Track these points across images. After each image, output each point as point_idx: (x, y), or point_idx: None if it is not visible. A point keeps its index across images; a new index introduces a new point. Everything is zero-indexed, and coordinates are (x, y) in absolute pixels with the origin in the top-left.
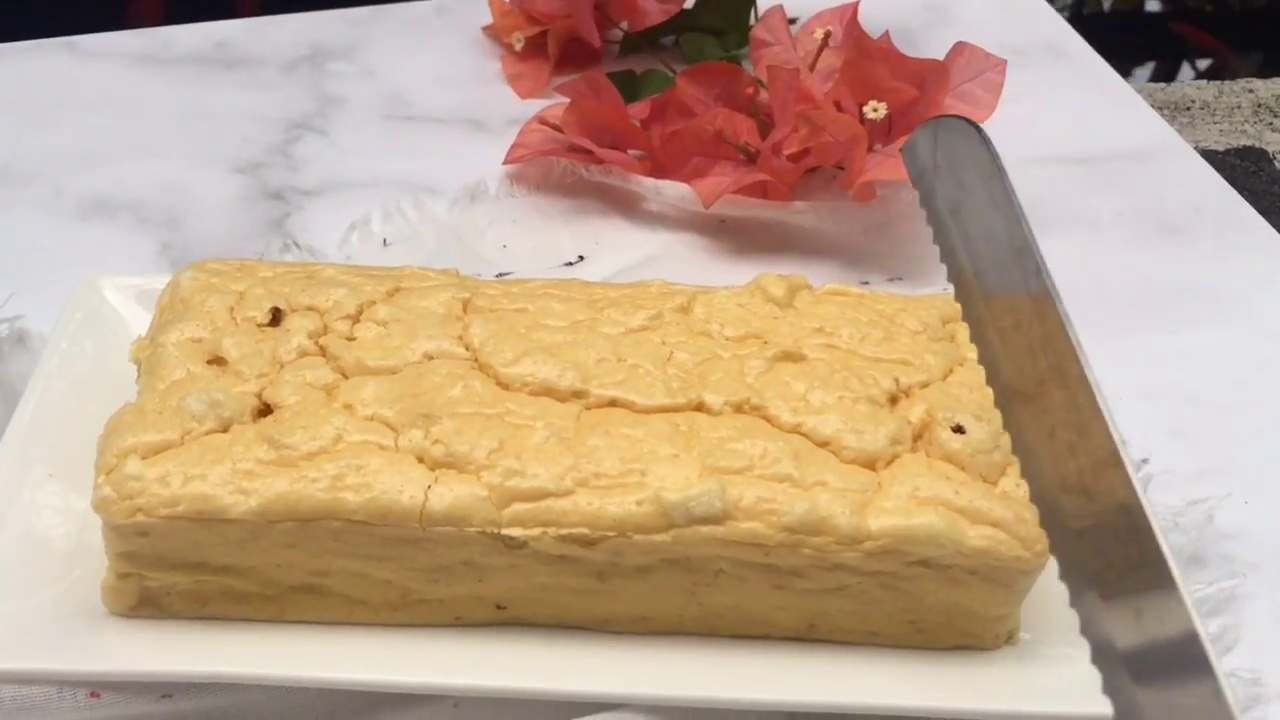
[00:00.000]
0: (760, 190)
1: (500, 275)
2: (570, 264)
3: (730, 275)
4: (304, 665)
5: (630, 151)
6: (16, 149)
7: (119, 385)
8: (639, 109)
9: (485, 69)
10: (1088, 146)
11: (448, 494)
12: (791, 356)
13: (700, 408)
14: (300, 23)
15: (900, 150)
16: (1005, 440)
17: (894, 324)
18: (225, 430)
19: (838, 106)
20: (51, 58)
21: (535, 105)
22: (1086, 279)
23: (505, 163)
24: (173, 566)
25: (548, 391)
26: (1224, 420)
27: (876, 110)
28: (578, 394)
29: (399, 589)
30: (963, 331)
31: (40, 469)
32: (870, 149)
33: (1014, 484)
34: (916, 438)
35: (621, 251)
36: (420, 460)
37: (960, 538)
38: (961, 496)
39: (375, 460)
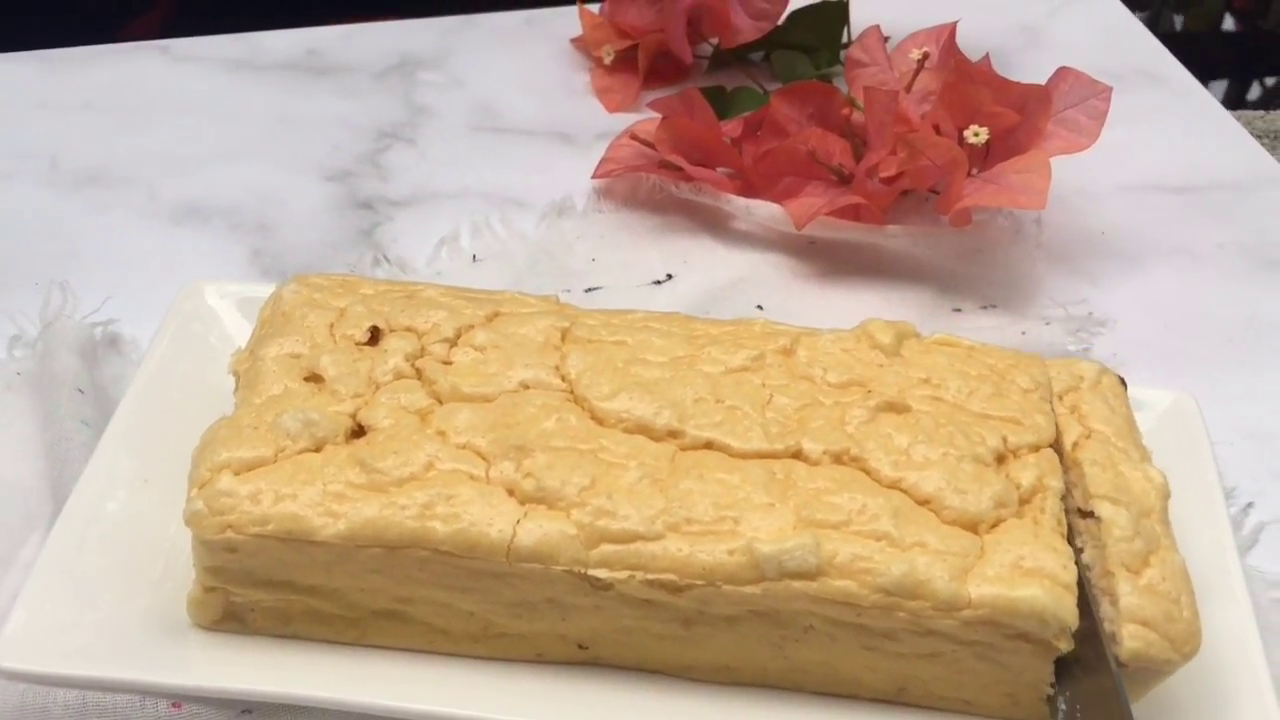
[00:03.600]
0: (853, 212)
1: (589, 290)
2: (659, 282)
3: (820, 298)
4: (383, 693)
5: (720, 169)
6: (112, 151)
7: (218, 394)
8: (731, 127)
9: (573, 81)
10: (1187, 175)
11: (536, 530)
12: (895, 407)
13: (798, 455)
14: (390, 31)
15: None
16: (1148, 525)
17: (1004, 380)
18: (318, 450)
19: (936, 130)
20: (146, 60)
21: (623, 119)
22: (1186, 312)
23: (594, 177)
24: (259, 584)
25: (643, 429)
26: None
27: (978, 135)
28: (673, 433)
29: (481, 621)
30: (1093, 403)
31: (137, 474)
32: (969, 174)
33: (1160, 576)
34: (1024, 502)
35: (710, 271)
36: (511, 493)
37: (1065, 615)
38: (1070, 571)
39: (465, 490)
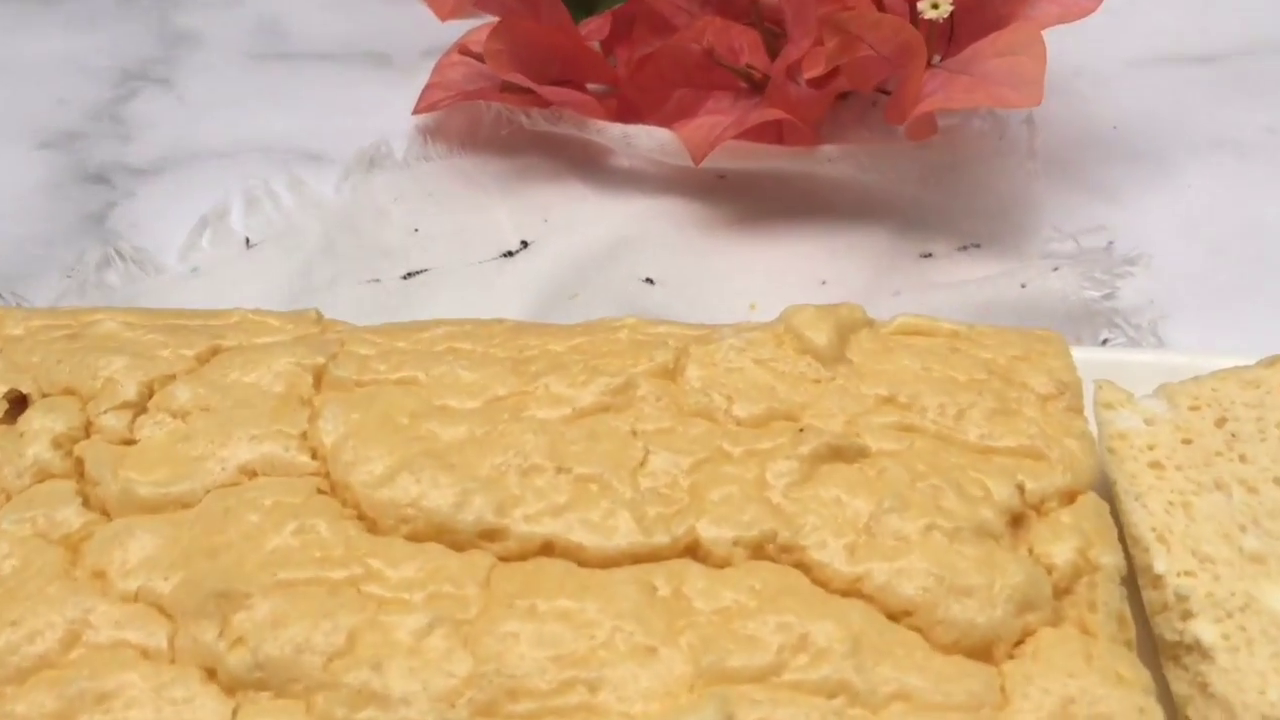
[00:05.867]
0: (773, 132)
1: (409, 275)
2: (510, 254)
3: (736, 259)
4: None
5: (589, 87)
6: None
7: None
8: (596, 26)
9: None
10: (1216, 40)
11: None
12: (843, 453)
13: (693, 552)
14: None
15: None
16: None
17: (1009, 383)
18: None
19: (879, 5)
20: None
21: (458, 28)
22: (1235, 221)
23: (416, 111)
24: None
25: (439, 532)
26: None
27: (937, 7)
28: (489, 534)
29: None
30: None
31: None
32: (929, 64)
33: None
34: (1063, 593)
35: (580, 231)
36: (210, 676)
37: None
38: (1154, 712)
39: (131, 679)
